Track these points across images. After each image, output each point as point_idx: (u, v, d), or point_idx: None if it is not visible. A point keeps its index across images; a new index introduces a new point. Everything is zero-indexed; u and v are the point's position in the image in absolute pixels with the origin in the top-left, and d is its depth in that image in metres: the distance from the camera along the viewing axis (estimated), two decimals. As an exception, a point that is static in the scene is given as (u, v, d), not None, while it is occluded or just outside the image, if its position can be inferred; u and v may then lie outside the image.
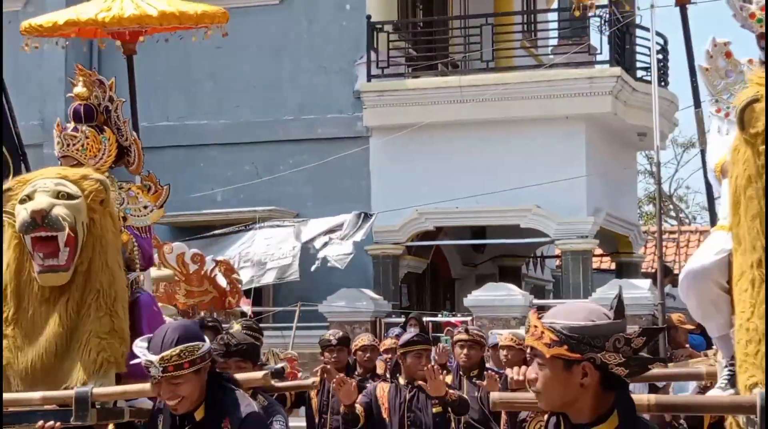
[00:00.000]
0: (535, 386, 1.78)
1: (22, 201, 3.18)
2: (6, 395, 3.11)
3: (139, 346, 2.64)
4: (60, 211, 3.20)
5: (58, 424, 2.97)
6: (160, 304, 5.78)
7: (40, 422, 2.94)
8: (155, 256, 7.17)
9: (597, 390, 1.72)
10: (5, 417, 3.09)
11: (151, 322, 3.45)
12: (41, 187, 3.23)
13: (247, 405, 2.71)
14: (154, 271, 6.66)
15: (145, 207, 4.04)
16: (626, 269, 13.80)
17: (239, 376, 3.17)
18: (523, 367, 2.36)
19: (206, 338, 2.77)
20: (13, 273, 3.29)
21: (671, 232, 19.49)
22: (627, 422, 1.75)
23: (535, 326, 1.76)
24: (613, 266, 15.12)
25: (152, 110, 11.90)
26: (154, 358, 2.49)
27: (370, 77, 11.70)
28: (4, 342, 3.28)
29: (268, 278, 11.20)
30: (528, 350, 1.98)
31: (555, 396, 1.76)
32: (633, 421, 1.77)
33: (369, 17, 11.54)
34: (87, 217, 3.31)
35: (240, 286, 9.15)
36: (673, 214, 23.52)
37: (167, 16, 5.85)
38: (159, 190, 4.17)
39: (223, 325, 5.76)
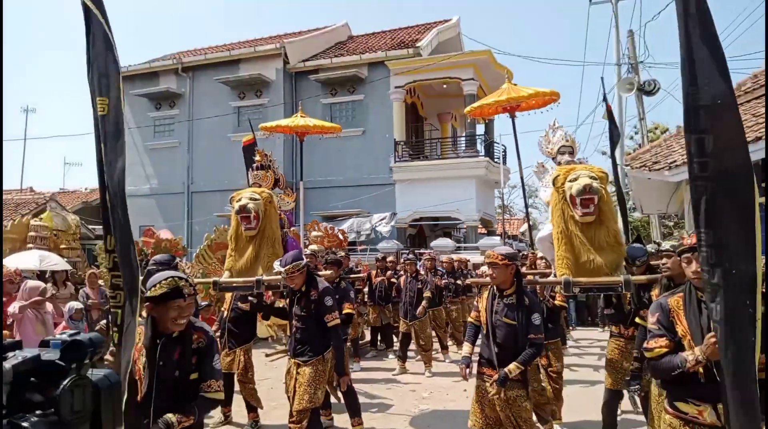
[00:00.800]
0: (493, 277, 3.21)
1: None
2: (232, 279, 4.37)
3: (277, 263, 3.90)
4: (251, 205, 4.48)
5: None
6: (316, 246, 8.62)
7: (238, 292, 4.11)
8: (315, 227, 11.89)
9: (512, 277, 3.24)
10: (231, 286, 4.38)
11: (290, 247, 4.63)
12: (246, 196, 4.39)
13: (325, 285, 3.96)
14: (314, 232, 11.08)
15: (287, 203, 5.52)
16: (490, 234, 19.19)
17: (322, 273, 4.74)
18: (484, 268, 3.24)
19: (303, 257, 3.83)
20: (233, 229, 4.50)
21: (508, 220, 25.56)
22: (519, 289, 3.20)
23: (492, 255, 3.18)
24: (485, 232, 20.14)
25: (315, 170, 17.97)
26: (282, 269, 3.69)
27: (395, 161, 17.58)
28: (229, 260, 4.51)
29: (362, 237, 16.52)
30: (487, 262, 3.18)
31: (501, 279, 3.19)
32: (522, 289, 3.20)
33: (395, 138, 17.82)
34: (263, 207, 4.49)
35: (348, 238, 13.61)
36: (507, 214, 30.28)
37: (317, 127, 7.65)
38: (292, 196, 5.81)
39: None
